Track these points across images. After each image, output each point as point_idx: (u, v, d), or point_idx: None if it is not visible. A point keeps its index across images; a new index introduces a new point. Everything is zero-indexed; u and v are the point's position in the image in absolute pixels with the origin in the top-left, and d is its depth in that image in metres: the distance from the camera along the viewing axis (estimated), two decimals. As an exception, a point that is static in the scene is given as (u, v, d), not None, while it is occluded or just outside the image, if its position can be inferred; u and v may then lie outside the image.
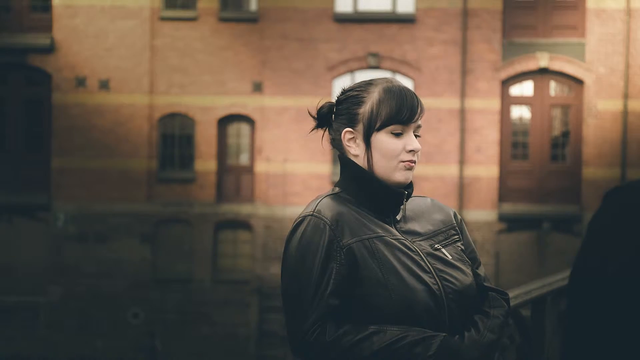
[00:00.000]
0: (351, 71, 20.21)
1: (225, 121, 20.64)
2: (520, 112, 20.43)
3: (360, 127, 2.29)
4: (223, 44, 20.30)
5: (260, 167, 20.34)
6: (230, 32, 20.32)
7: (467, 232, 2.45)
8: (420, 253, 2.26)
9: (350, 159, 2.32)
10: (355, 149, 2.30)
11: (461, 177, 19.87)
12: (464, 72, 19.96)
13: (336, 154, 2.40)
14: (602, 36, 19.69)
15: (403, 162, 2.27)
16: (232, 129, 20.78)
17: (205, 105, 20.44)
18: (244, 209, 20.43)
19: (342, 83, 20.28)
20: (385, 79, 2.33)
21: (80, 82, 20.41)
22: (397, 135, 2.27)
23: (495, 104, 20.00)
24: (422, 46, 20.06)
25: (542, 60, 19.80)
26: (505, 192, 20.26)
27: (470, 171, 19.97)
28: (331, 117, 2.36)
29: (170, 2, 20.59)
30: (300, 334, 2.18)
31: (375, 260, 2.20)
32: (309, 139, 20.18)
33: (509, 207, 20.07)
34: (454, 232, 2.39)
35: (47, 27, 20.57)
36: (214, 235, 20.52)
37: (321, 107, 2.37)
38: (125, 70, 20.35)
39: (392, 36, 20.12)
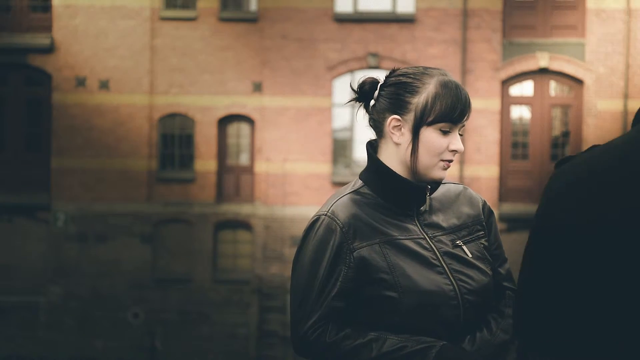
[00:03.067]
0: (351, 71, 20.21)
1: (225, 121, 20.64)
2: (520, 112, 20.44)
3: (410, 117, 2.22)
4: (223, 44, 20.31)
5: (260, 167, 20.34)
6: (230, 32, 20.33)
7: (496, 226, 2.40)
8: (437, 252, 2.24)
9: (372, 152, 2.29)
10: (399, 138, 2.24)
11: (461, 177, 19.87)
12: (464, 72, 19.96)
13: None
14: (602, 36, 19.69)
15: (444, 160, 2.24)
16: (232, 129, 20.78)
17: (205, 105, 20.45)
18: (244, 209, 20.43)
19: (342, 83, 20.29)
20: (440, 71, 2.25)
21: (80, 82, 20.42)
22: (444, 132, 2.22)
23: (495, 104, 20.00)
24: (422, 46, 20.06)
25: (542, 60, 19.81)
26: (505, 192, 20.26)
27: (470, 171, 19.98)
28: (372, 95, 2.29)
29: (170, 2, 20.59)
30: (301, 331, 2.20)
31: (386, 265, 2.18)
32: (309, 139, 20.18)
33: (509, 207, 20.07)
34: (479, 227, 2.34)
35: (47, 27, 20.58)
36: (214, 235, 20.52)
37: (363, 83, 2.29)
38: (125, 70, 20.35)
39: (392, 36, 20.12)
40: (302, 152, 20.17)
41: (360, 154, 20.49)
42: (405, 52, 20.06)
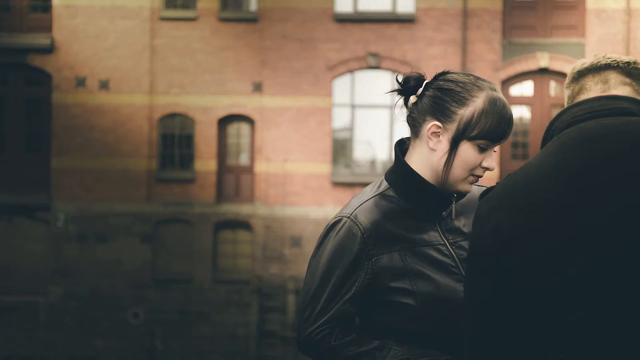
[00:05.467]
0: (351, 71, 20.21)
1: (225, 121, 20.64)
2: (520, 112, 20.44)
3: (451, 127, 2.17)
4: (223, 44, 20.31)
5: (260, 167, 20.35)
6: (230, 32, 20.33)
7: None
8: (457, 259, 2.22)
9: (400, 154, 2.26)
10: (435, 144, 2.19)
11: (461, 177, 19.89)
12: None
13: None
14: (602, 36, 19.70)
15: (474, 175, 2.21)
16: (232, 129, 20.79)
17: (205, 105, 20.45)
18: (244, 209, 20.43)
19: (342, 83, 20.29)
20: (490, 84, 2.21)
21: (80, 82, 20.42)
22: (481, 149, 2.19)
23: (495, 104, 20.00)
24: (422, 46, 20.06)
25: (542, 60, 19.81)
26: (505, 192, 20.25)
27: (470, 171, 19.98)
28: (415, 91, 2.23)
29: (170, 2, 20.60)
30: (308, 330, 2.19)
31: (405, 273, 2.18)
32: (309, 139, 20.18)
33: (509, 207, 20.05)
34: None
35: (47, 27, 20.58)
36: (214, 235, 20.52)
37: (409, 78, 2.24)
38: (125, 70, 20.35)
39: (392, 36, 20.12)
40: (302, 152, 20.17)
41: (359, 154, 20.49)
42: (405, 52, 20.06)
